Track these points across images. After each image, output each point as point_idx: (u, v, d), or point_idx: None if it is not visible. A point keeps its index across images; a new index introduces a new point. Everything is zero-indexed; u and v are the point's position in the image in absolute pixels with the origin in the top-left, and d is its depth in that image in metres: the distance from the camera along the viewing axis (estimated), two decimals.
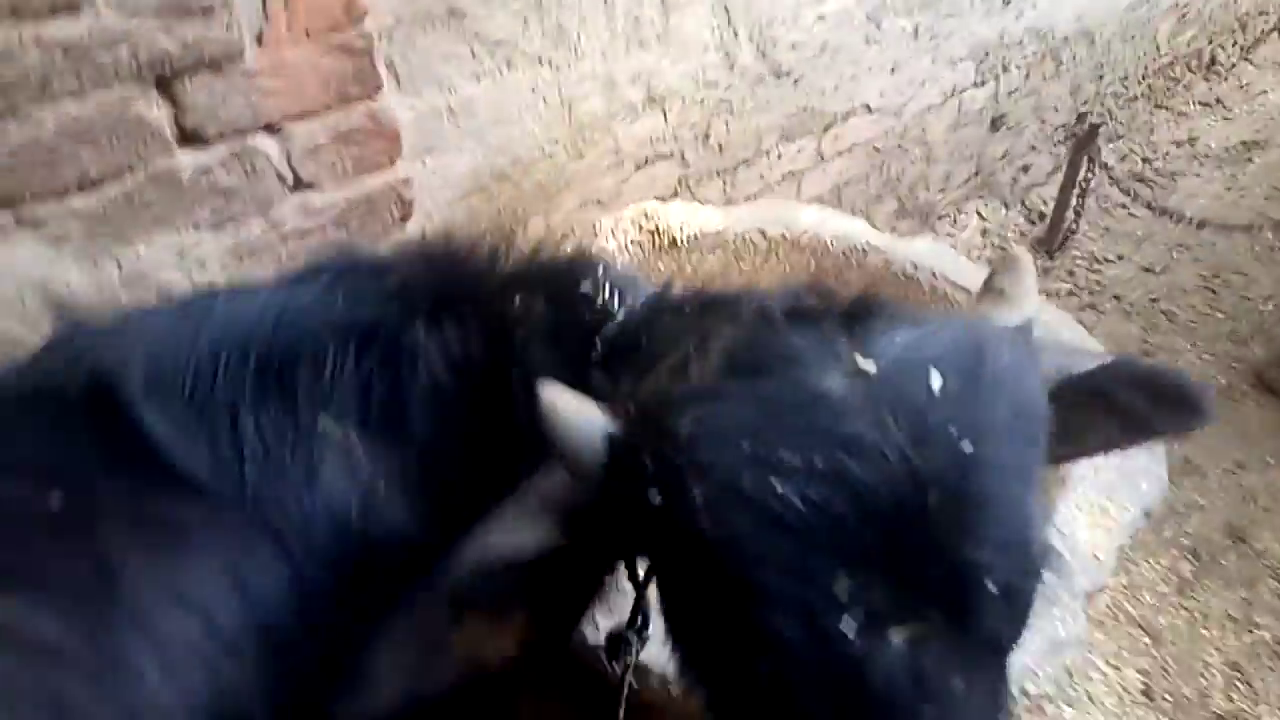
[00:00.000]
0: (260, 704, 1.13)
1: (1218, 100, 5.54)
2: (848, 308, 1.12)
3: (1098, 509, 2.83)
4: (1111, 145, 5.05)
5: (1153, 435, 1.26)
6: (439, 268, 1.41)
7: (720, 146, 3.35)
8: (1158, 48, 5.35)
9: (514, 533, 1.10)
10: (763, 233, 2.59)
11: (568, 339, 1.32)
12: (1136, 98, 5.36)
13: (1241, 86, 5.63)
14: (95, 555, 1.09)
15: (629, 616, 1.40)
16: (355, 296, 1.34)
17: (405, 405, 1.28)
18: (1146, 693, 2.79)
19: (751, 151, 3.49)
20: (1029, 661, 1.69)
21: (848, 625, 0.94)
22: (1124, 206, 4.82)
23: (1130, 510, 2.98)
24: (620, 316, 1.35)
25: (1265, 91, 5.58)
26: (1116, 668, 2.85)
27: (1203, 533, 3.24)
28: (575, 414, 1.09)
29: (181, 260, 2.08)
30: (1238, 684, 2.80)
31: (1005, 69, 4.39)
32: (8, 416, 1.21)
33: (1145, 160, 5.15)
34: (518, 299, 1.36)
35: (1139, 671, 2.84)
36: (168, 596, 1.10)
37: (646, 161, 3.14)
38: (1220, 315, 4.18)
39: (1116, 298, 4.35)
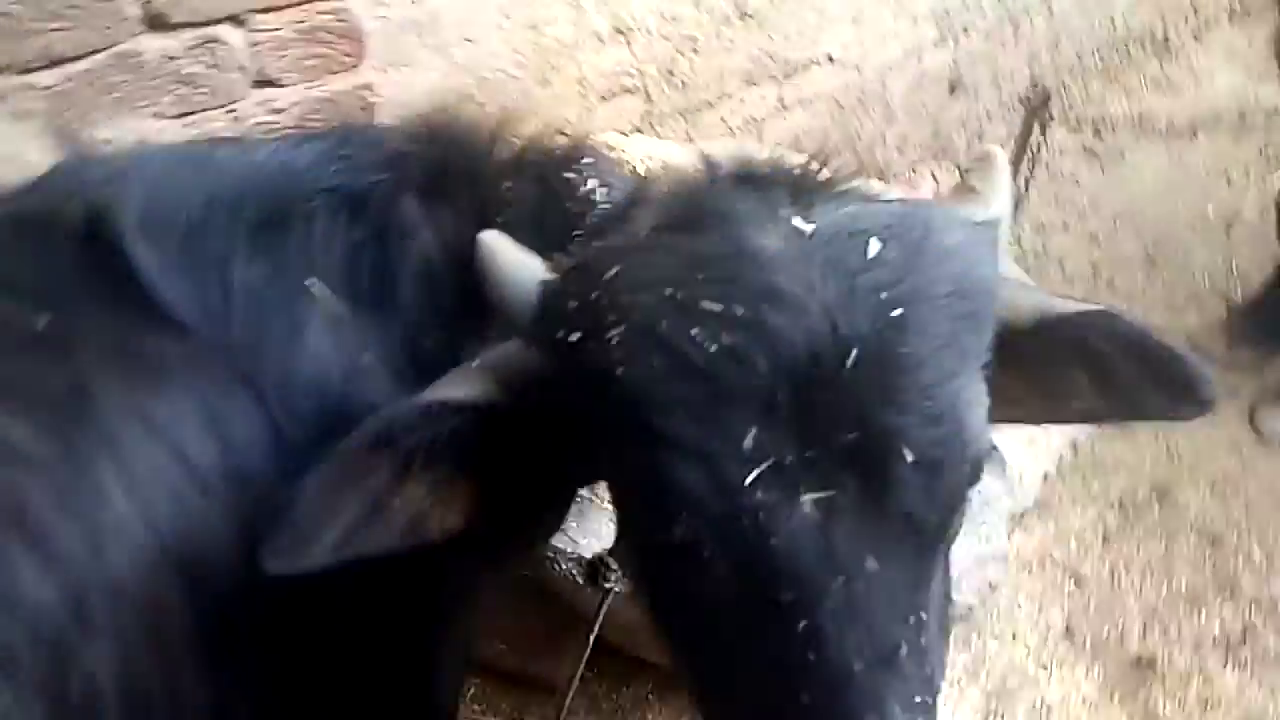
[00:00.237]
0: (229, 549, 1.12)
1: (1168, 80, 5.66)
2: (798, 178, 1.12)
3: (1026, 436, 2.92)
4: (1064, 114, 5.15)
5: (1142, 417, 1.20)
6: (438, 145, 1.42)
7: (684, 84, 3.36)
8: (1114, 23, 5.44)
9: (454, 386, 1.11)
10: None
11: (551, 226, 1.34)
12: (1090, 71, 5.45)
13: (1191, 69, 5.75)
14: (74, 375, 1.09)
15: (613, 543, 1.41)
16: (351, 163, 1.35)
17: (394, 279, 1.30)
18: (1068, 632, 2.90)
19: (715, 94, 3.50)
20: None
21: (754, 480, 0.91)
22: (1073, 176, 4.92)
23: (1057, 439, 3.08)
24: (604, 207, 1.37)
25: (1213, 74, 5.70)
26: (1041, 608, 2.96)
27: (1129, 487, 3.35)
28: (513, 261, 1.13)
29: None
30: (1154, 628, 2.91)
31: (965, 31, 4.43)
32: (3, 239, 1.22)
33: (1096, 133, 5.25)
34: (509, 184, 1.39)
35: (1062, 611, 2.95)
36: (141, 425, 1.11)
37: (611, 94, 3.13)
38: (1159, 285, 4.29)
39: (1060, 264, 4.44)
